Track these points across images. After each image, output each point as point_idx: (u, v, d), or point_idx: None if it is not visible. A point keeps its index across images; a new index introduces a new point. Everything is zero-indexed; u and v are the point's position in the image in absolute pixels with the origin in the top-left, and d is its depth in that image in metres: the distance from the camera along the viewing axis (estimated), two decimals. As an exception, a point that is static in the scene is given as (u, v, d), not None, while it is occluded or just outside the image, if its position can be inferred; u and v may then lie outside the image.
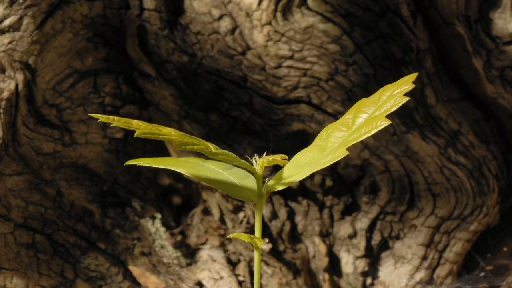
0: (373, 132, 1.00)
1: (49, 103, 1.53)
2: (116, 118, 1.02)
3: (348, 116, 1.07)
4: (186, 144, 1.02)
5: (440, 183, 1.65)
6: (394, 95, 1.03)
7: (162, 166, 1.11)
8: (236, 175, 1.09)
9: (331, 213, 1.69)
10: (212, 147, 1.02)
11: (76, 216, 1.55)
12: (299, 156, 1.07)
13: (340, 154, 1.01)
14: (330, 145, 1.06)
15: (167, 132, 1.03)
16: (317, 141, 1.08)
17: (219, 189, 1.08)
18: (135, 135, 0.99)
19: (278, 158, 1.03)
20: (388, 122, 0.98)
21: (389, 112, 1.01)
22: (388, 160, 1.65)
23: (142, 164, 1.12)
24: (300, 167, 1.05)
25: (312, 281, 1.67)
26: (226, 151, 1.03)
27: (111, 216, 1.59)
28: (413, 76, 1.03)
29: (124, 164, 1.15)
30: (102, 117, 1.01)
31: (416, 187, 1.66)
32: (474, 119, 1.66)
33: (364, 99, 1.07)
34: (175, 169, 1.10)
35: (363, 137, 1.01)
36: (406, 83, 1.03)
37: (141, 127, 1.01)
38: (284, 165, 1.07)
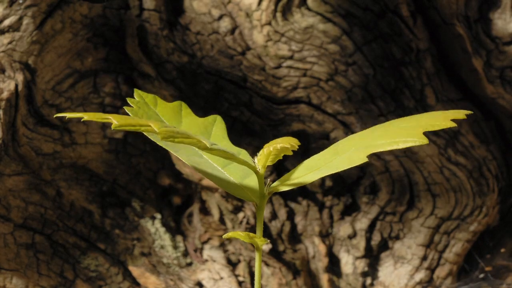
0: (408, 145, 0.91)
1: (48, 103, 1.53)
2: (86, 113, 0.97)
3: (372, 128, 1.03)
4: (174, 136, 0.94)
5: (440, 183, 1.65)
6: (439, 116, 0.97)
7: (161, 144, 1.05)
8: (236, 173, 1.07)
9: (331, 213, 1.69)
10: (206, 142, 0.95)
11: (76, 217, 1.55)
12: (309, 160, 1.04)
13: (359, 159, 0.94)
14: (343, 149, 1.01)
15: (147, 124, 0.95)
16: (330, 148, 1.04)
17: (220, 187, 1.05)
18: (112, 127, 0.94)
19: (287, 145, 0.95)
20: (425, 141, 0.91)
21: (428, 130, 0.94)
22: (388, 160, 1.65)
23: (148, 136, 1.08)
24: (308, 169, 1.02)
25: (311, 281, 1.67)
26: (223, 148, 0.98)
27: (110, 217, 1.59)
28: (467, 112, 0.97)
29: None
30: (69, 115, 0.97)
31: (416, 188, 1.66)
32: (474, 119, 1.66)
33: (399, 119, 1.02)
34: (174, 153, 1.06)
35: (392, 147, 0.93)
36: (459, 114, 0.97)
37: (119, 121, 0.94)
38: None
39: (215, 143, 0.98)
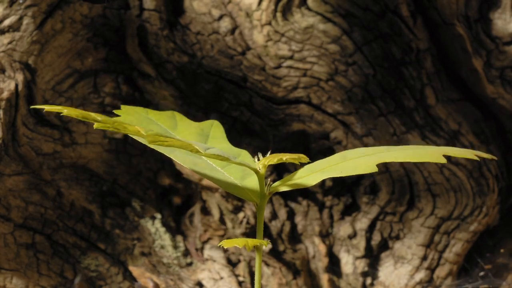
0: (425, 160, 0.93)
1: (49, 103, 1.53)
2: (66, 108, 0.91)
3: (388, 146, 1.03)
4: (162, 141, 0.90)
5: (440, 183, 1.65)
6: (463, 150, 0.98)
7: (153, 147, 0.99)
8: (236, 173, 1.06)
9: (331, 213, 1.69)
10: (199, 147, 0.91)
11: (76, 216, 1.55)
12: (315, 163, 1.03)
13: (367, 168, 0.94)
14: (352, 155, 1.01)
15: (135, 130, 0.90)
16: (338, 155, 1.03)
17: (220, 187, 1.05)
18: (94, 127, 0.90)
19: (295, 156, 0.95)
20: (444, 161, 0.92)
21: (448, 154, 0.95)
22: (388, 160, 1.65)
23: (138, 139, 1.04)
24: (311, 171, 1.01)
25: (311, 281, 1.67)
26: (219, 152, 0.95)
27: (111, 216, 1.59)
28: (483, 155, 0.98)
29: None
30: (49, 107, 0.92)
31: (416, 187, 1.66)
32: (474, 120, 1.66)
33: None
34: (168, 154, 1.03)
35: (406, 160, 0.94)
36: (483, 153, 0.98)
37: (99, 121, 0.89)
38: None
39: (210, 147, 0.95)
